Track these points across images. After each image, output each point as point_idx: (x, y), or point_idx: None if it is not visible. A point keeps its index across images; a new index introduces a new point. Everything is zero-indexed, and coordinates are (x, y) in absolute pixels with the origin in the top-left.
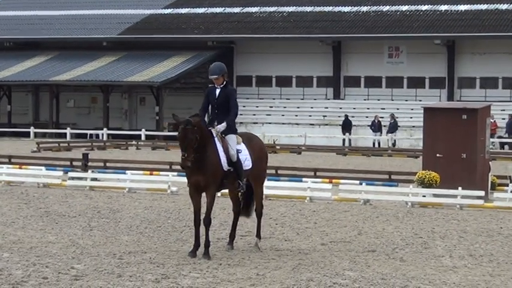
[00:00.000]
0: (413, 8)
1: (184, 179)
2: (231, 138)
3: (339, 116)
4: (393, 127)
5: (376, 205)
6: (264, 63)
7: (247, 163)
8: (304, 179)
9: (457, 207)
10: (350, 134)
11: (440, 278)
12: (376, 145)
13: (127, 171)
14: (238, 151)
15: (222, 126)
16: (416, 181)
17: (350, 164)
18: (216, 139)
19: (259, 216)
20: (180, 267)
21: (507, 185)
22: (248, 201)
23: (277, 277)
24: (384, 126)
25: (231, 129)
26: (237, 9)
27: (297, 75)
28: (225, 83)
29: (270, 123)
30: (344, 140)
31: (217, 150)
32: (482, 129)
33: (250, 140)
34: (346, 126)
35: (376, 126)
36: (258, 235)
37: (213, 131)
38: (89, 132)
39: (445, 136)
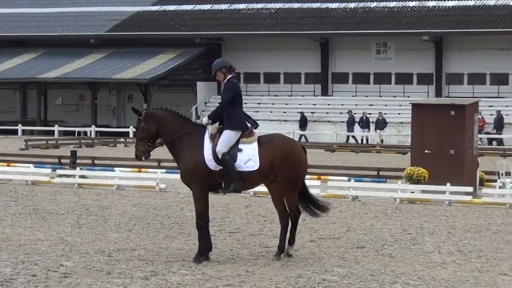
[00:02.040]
0: (401, 4)
1: (173, 176)
2: (225, 135)
3: (327, 113)
4: (381, 123)
5: (364, 201)
6: (251, 59)
7: (250, 164)
8: None
9: (445, 203)
10: (305, 130)
11: (429, 274)
12: (365, 141)
13: (115, 169)
14: (239, 150)
15: (205, 119)
16: (405, 177)
17: (338, 161)
18: (206, 135)
19: (294, 223)
20: (169, 265)
21: (495, 181)
22: (306, 203)
23: (266, 274)
24: (372, 122)
25: (229, 124)
26: (224, 6)
27: (285, 71)
28: (228, 77)
29: (258, 119)
30: (301, 136)
31: (201, 146)
32: (470, 125)
33: (270, 141)
34: (303, 123)
35: (364, 123)
36: (291, 242)
37: (209, 127)
38: (77, 129)
39: (433, 132)
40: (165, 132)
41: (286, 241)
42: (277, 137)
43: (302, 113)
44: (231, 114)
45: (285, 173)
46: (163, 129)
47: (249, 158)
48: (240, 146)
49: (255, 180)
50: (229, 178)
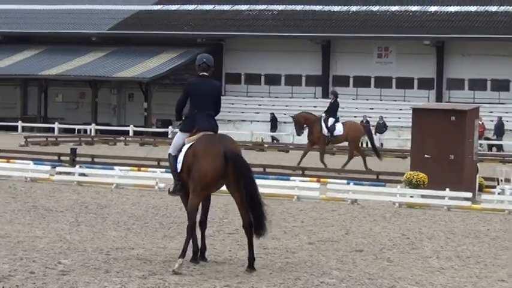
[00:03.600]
0: (403, 8)
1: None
2: (175, 136)
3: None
4: (381, 127)
5: (363, 205)
6: (253, 61)
7: (179, 166)
8: (291, 178)
9: (444, 208)
10: (275, 131)
11: (427, 279)
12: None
13: (115, 167)
14: (180, 151)
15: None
16: (404, 181)
17: (338, 164)
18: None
19: (200, 224)
20: (167, 264)
21: (494, 187)
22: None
23: (265, 275)
24: (372, 126)
25: (180, 126)
26: (226, 7)
27: (286, 73)
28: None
29: (258, 121)
30: (272, 138)
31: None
32: (471, 131)
33: (198, 142)
34: (273, 124)
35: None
36: (198, 249)
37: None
38: (77, 127)
39: (433, 137)
40: None
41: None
42: (208, 137)
43: (273, 114)
44: (185, 116)
45: (194, 171)
46: None
47: (179, 160)
48: (183, 147)
49: (185, 181)
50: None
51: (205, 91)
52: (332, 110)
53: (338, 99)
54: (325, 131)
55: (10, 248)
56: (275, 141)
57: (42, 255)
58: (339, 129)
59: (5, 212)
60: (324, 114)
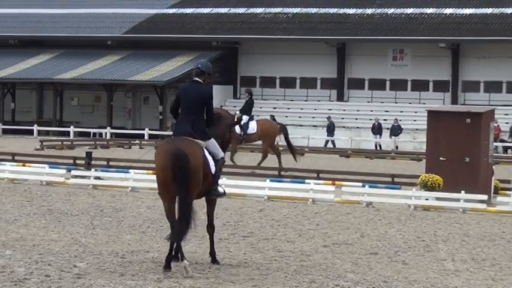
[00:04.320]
0: (418, 11)
1: None
2: None
3: (342, 118)
4: (396, 130)
5: (378, 207)
6: (268, 64)
7: None
8: (306, 181)
9: (459, 210)
10: None
11: (443, 282)
12: (378, 147)
13: (130, 170)
14: None
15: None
16: (419, 184)
17: (353, 166)
18: None
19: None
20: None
21: (510, 190)
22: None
23: (279, 278)
24: (387, 128)
25: None
26: (241, 10)
27: (301, 76)
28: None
29: None
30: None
31: None
32: (486, 133)
33: (159, 145)
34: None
35: (376, 129)
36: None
37: None
38: (92, 130)
39: (448, 139)
40: None
41: None
42: (169, 140)
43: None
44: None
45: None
46: None
47: None
48: None
49: None
50: None
51: (194, 96)
52: (247, 108)
53: (253, 97)
54: (238, 129)
55: (26, 252)
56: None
57: (58, 259)
58: (253, 128)
59: (20, 216)
60: (238, 113)
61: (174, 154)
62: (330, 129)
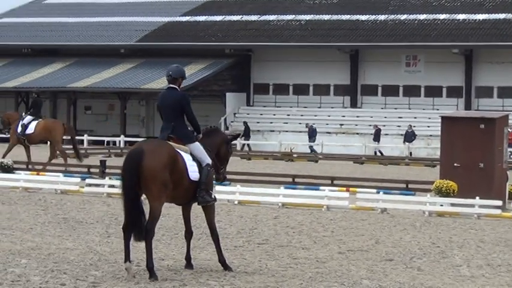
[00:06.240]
0: (431, 17)
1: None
2: None
3: (356, 125)
4: (410, 136)
5: (393, 214)
6: (281, 71)
7: None
8: (321, 188)
9: (474, 216)
10: (249, 140)
11: None
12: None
13: None
14: None
15: None
16: (434, 190)
17: (367, 173)
18: None
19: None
20: (198, 275)
21: None
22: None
23: (295, 285)
24: (401, 135)
25: None
26: (254, 17)
27: (314, 83)
28: None
29: (287, 131)
30: (244, 145)
31: None
32: (500, 138)
33: None
34: (246, 133)
35: (375, 136)
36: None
37: None
38: (106, 139)
39: (462, 145)
40: None
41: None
42: (140, 142)
43: (245, 123)
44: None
45: None
46: None
47: None
48: None
49: None
50: None
51: (170, 103)
52: (35, 108)
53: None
54: (19, 129)
55: (41, 260)
56: (248, 149)
57: (73, 267)
58: (31, 128)
59: (35, 224)
60: (23, 113)
61: (130, 153)
62: (312, 134)
